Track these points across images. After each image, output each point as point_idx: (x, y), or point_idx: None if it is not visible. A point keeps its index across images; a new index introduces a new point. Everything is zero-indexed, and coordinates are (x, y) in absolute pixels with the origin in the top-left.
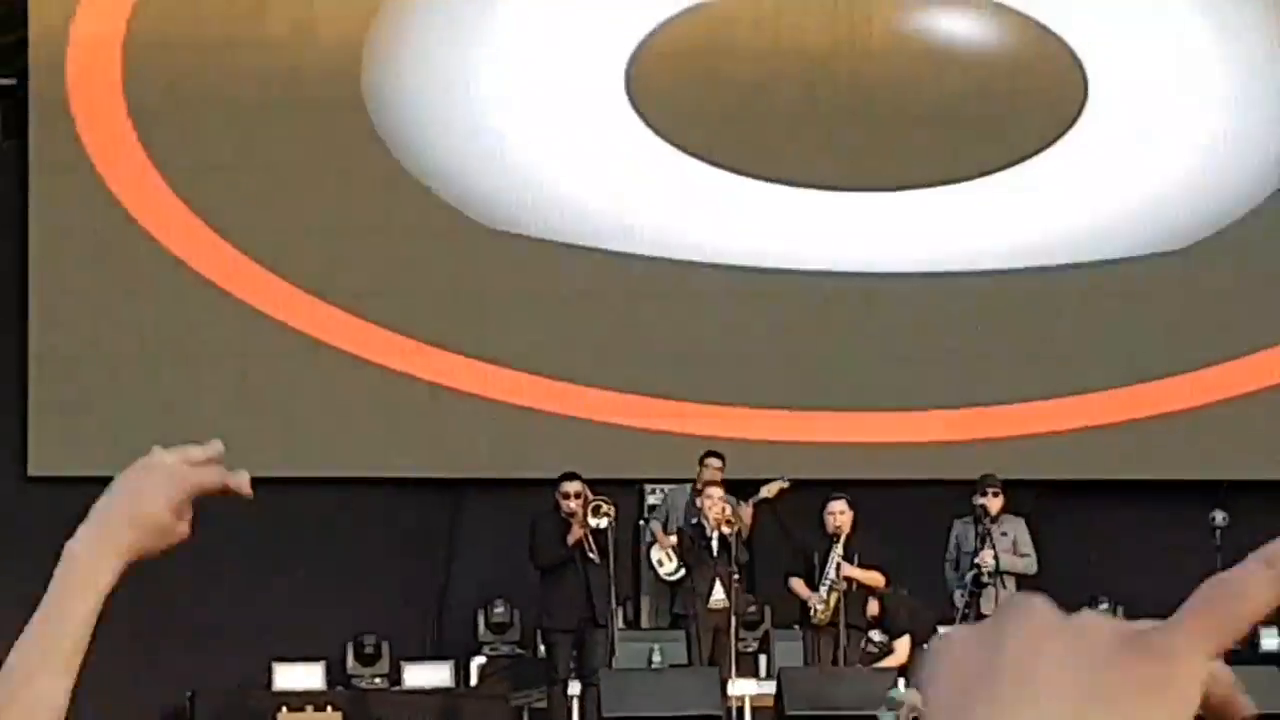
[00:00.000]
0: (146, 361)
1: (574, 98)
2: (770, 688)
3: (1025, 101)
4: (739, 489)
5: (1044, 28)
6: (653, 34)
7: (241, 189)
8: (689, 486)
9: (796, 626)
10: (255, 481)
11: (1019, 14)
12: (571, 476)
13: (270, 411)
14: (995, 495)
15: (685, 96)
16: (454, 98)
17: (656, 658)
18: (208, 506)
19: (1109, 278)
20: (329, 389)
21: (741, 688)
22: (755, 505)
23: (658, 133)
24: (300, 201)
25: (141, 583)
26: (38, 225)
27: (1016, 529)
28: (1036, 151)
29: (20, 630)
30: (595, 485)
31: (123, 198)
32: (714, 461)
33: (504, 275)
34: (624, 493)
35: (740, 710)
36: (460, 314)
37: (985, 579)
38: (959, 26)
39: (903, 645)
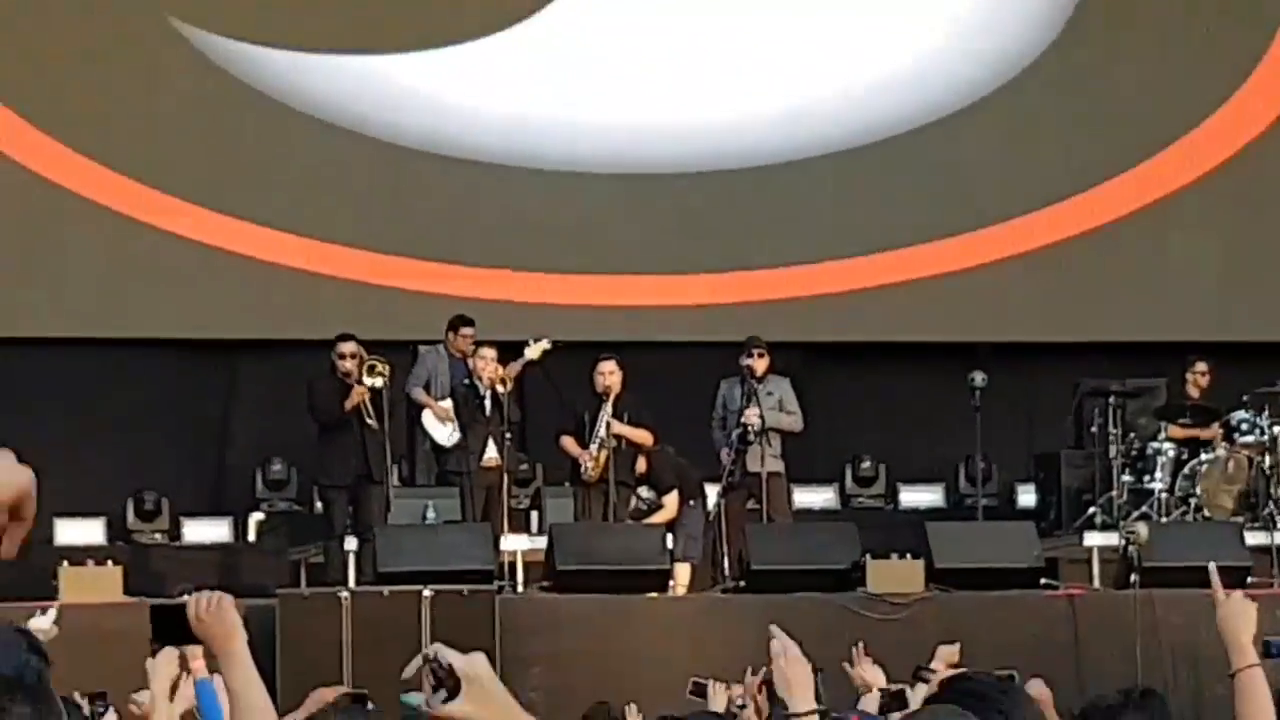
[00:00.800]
0: None
1: None
2: (541, 543)
3: None
4: (506, 349)
5: None
6: None
7: (33, 65)
8: (440, 347)
9: (567, 484)
10: (32, 341)
11: None
12: (347, 337)
13: (47, 272)
14: (760, 356)
15: None
16: None
17: (430, 514)
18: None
19: (870, 151)
20: (106, 251)
21: (513, 543)
22: (525, 365)
23: None
24: (89, 75)
25: None
26: None
27: (782, 389)
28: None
29: None
30: (370, 346)
31: None
32: (467, 331)
33: (283, 148)
34: (398, 353)
35: (512, 565)
36: (236, 180)
37: (751, 437)
38: None
39: (670, 500)
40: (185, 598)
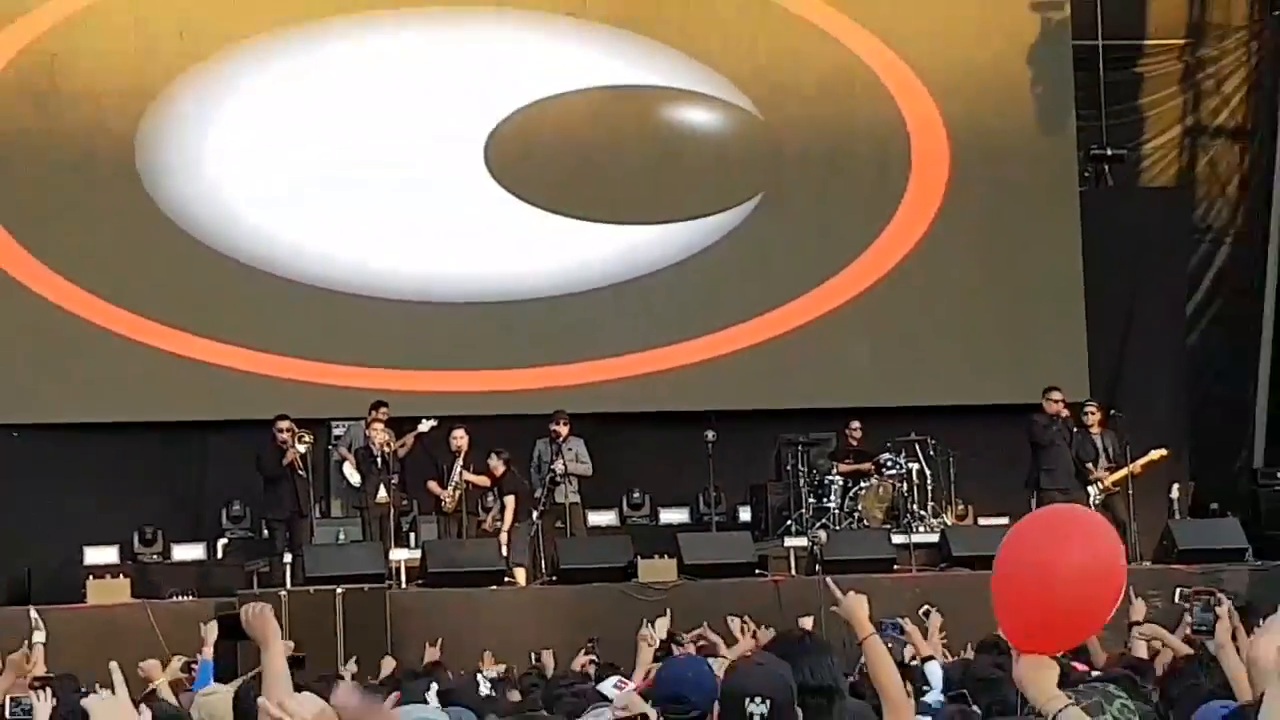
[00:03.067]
0: None
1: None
2: (417, 554)
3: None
4: (396, 424)
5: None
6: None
7: (57, 229)
8: (363, 422)
9: (433, 513)
10: (81, 427)
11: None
12: (283, 416)
13: (78, 379)
14: (564, 423)
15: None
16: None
17: (341, 537)
18: (46, 446)
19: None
20: (115, 363)
21: (398, 555)
22: (416, 437)
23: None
24: (91, 233)
25: (1, 502)
26: None
27: (578, 446)
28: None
29: None
30: (299, 422)
31: None
32: (383, 409)
33: (226, 286)
34: (320, 427)
35: (398, 570)
36: (213, 311)
37: (558, 478)
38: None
39: (510, 501)
40: (242, 608)
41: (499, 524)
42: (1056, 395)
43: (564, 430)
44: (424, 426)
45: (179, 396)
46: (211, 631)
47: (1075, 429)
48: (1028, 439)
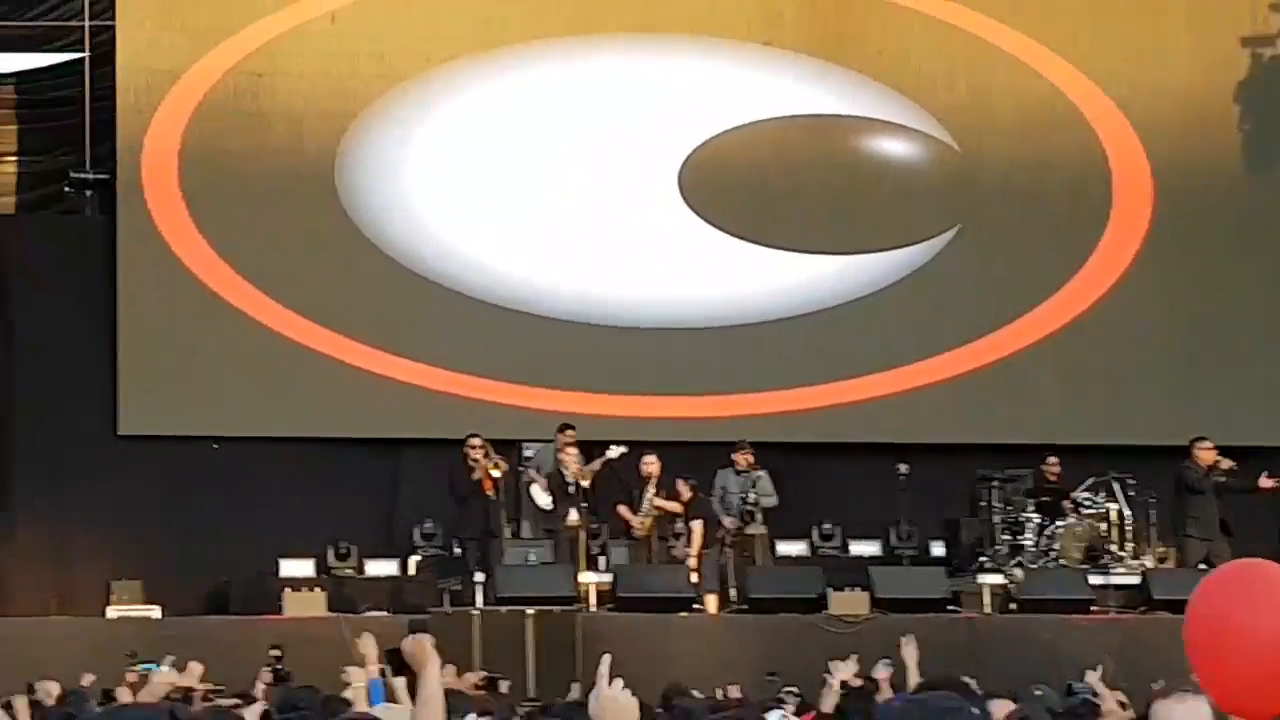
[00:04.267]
0: (195, 356)
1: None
2: (608, 578)
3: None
4: (586, 446)
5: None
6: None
7: (259, 247)
8: (551, 445)
9: (624, 538)
10: (277, 440)
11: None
12: (473, 436)
13: (276, 393)
14: (744, 453)
15: None
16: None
17: (532, 558)
18: (244, 458)
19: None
20: (314, 379)
21: (588, 578)
22: (604, 463)
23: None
24: (292, 251)
25: (192, 515)
26: (124, 268)
27: (764, 478)
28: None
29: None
30: (491, 443)
31: (179, 253)
32: (570, 431)
33: (421, 304)
34: (511, 448)
35: (587, 593)
36: (408, 331)
37: (752, 511)
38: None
39: (697, 526)
40: (402, 642)
41: (687, 550)
42: (1207, 444)
43: (747, 460)
44: (613, 453)
45: (375, 413)
46: (369, 646)
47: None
48: (1178, 485)
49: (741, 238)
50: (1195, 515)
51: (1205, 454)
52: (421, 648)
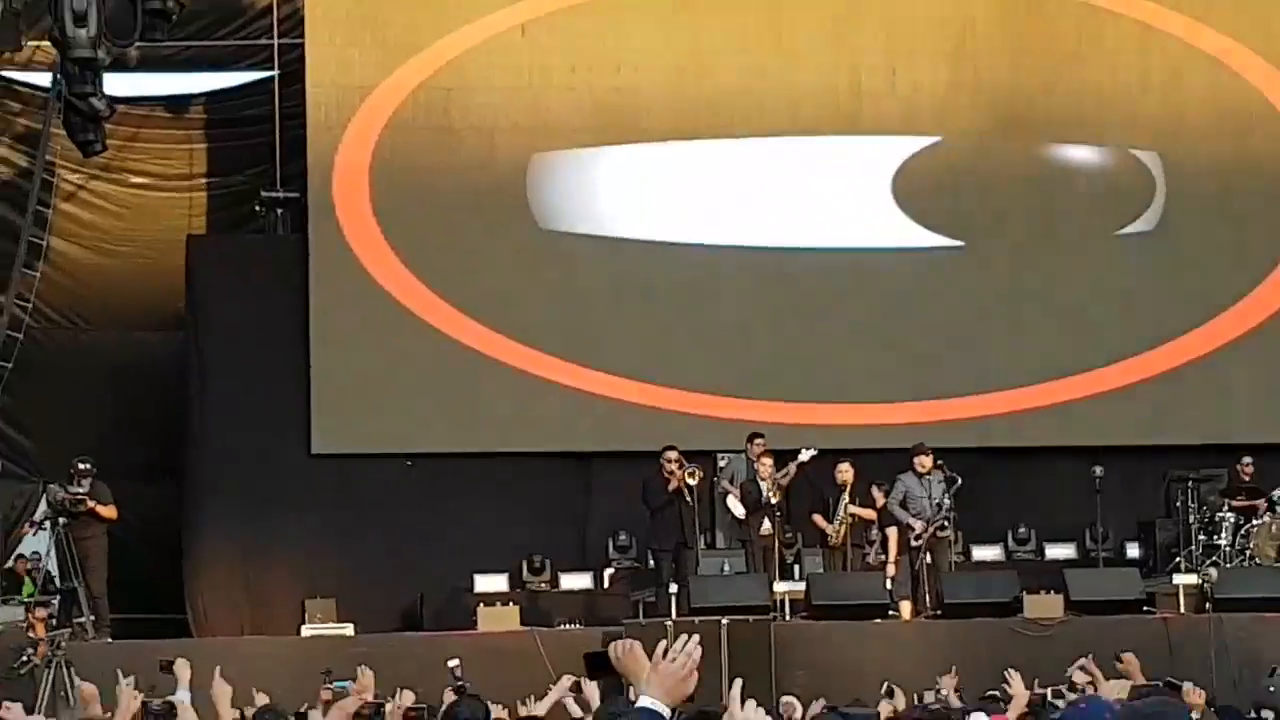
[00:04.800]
0: (387, 373)
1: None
2: (801, 586)
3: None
4: (777, 455)
5: None
6: None
7: (450, 262)
8: (744, 454)
9: (818, 546)
10: (470, 456)
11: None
12: (670, 448)
13: (468, 409)
14: (926, 455)
15: None
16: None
17: (726, 568)
18: (437, 475)
19: (1022, 319)
20: (505, 394)
21: (782, 587)
22: (798, 466)
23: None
24: (483, 266)
25: (386, 533)
26: (316, 286)
27: (941, 480)
28: None
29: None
30: (685, 454)
31: (371, 270)
32: (759, 440)
33: (611, 317)
34: (704, 459)
35: (782, 602)
36: (599, 343)
37: (944, 513)
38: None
39: (892, 533)
40: (611, 645)
41: (882, 557)
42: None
43: (927, 463)
44: (804, 456)
45: (567, 426)
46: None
47: None
48: None
49: (953, 238)
50: None
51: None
52: (632, 655)
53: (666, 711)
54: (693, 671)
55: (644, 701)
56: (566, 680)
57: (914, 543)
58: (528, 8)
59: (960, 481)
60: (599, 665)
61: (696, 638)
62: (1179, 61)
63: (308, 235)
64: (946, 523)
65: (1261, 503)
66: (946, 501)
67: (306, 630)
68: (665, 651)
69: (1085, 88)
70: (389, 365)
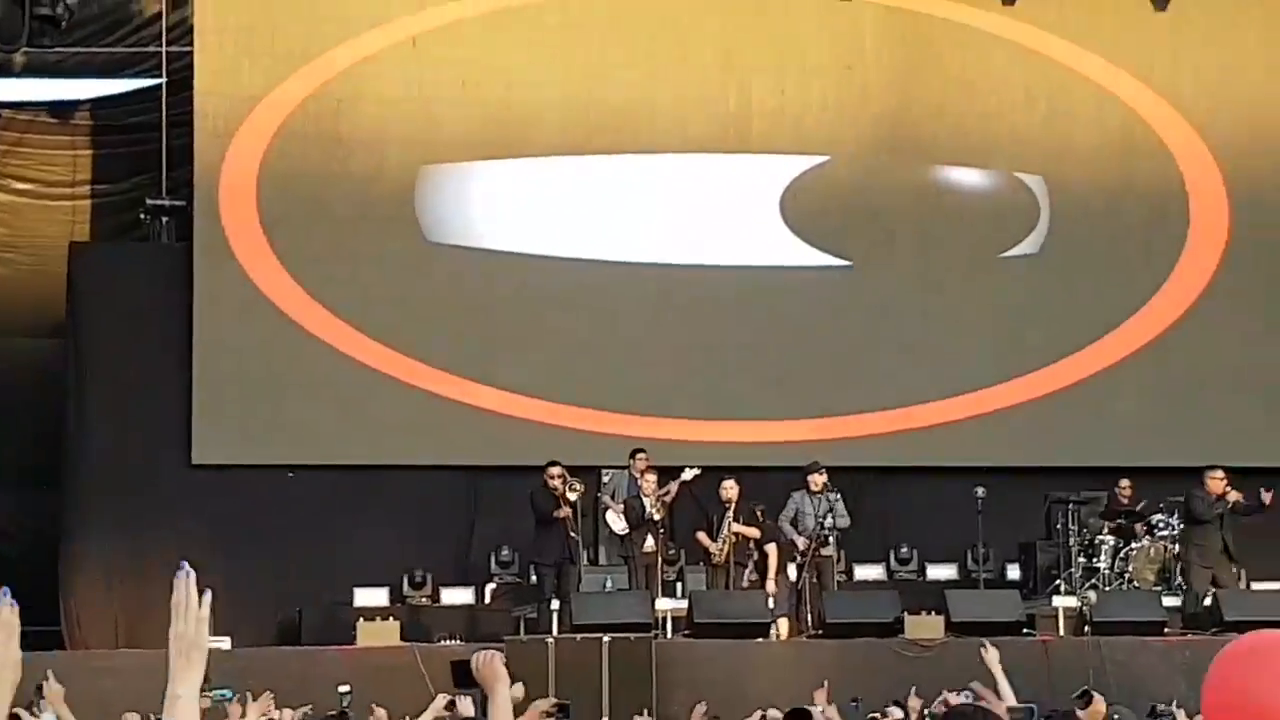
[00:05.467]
0: (269, 384)
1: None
2: (684, 604)
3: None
4: (663, 472)
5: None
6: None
7: (337, 274)
8: (626, 470)
9: (701, 564)
10: (353, 468)
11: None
12: (554, 463)
13: (352, 421)
14: (819, 474)
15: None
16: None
17: (609, 585)
18: (319, 487)
19: (903, 340)
20: (390, 407)
21: (665, 604)
22: (680, 484)
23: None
24: (370, 278)
25: (266, 545)
26: (200, 296)
27: (834, 499)
28: None
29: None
30: (569, 469)
31: (256, 280)
32: (641, 455)
33: (497, 332)
34: (589, 474)
35: (664, 620)
36: (484, 357)
37: (827, 533)
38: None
39: (772, 550)
40: (472, 657)
41: (754, 577)
42: (1218, 474)
43: (819, 481)
44: (687, 475)
45: (451, 440)
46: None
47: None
48: (1186, 514)
49: (840, 257)
50: (1200, 543)
51: (1215, 483)
52: (491, 666)
53: None
54: (492, 661)
55: None
56: (441, 700)
57: (798, 560)
58: (419, 20)
59: (839, 499)
60: (463, 675)
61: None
62: (1064, 87)
63: (193, 244)
64: (829, 542)
65: (1140, 526)
66: (840, 521)
67: None
68: None
69: (972, 111)
70: (272, 376)
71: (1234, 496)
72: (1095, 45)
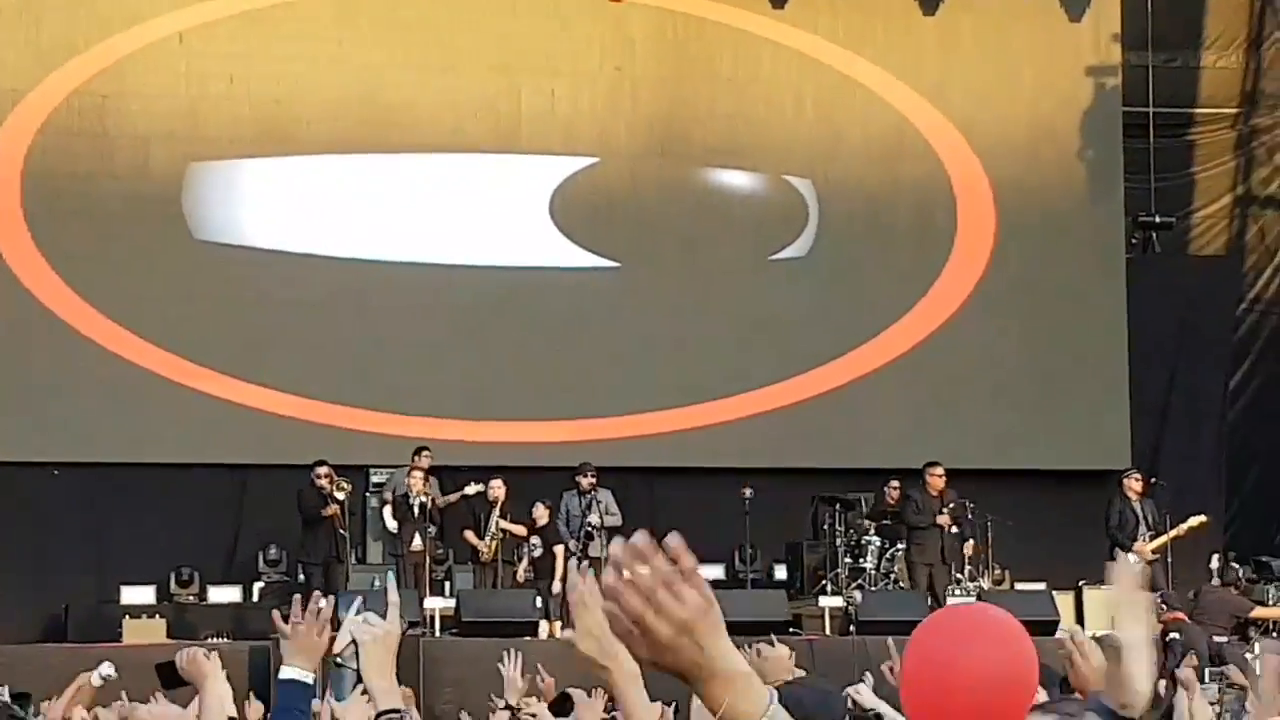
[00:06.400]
0: (33, 380)
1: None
2: (452, 603)
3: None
4: (438, 472)
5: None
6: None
7: (103, 271)
8: (402, 471)
9: (470, 562)
10: (120, 465)
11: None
12: (322, 462)
13: (118, 418)
14: (590, 476)
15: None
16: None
17: (377, 583)
18: (85, 484)
19: (673, 342)
20: (157, 405)
21: (433, 603)
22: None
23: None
24: (137, 275)
25: (30, 542)
26: None
27: (607, 497)
28: None
29: None
30: (337, 468)
31: (19, 275)
32: (426, 454)
33: (267, 330)
34: (357, 473)
35: (433, 618)
36: (253, 356)
37: (594, 531)
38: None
39: (559, 549)
40: (176, 655)
41: (529, 575)
42: (938, 470)
43: (588, 483)
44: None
45: (218, 439)
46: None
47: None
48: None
49: (609, 258)
50: (919, 543)
51: (935, 480)
52: (195, 662)
53: (310, 676)
54: (325, 628)
55: (287, 673)
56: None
57: (576, 562)
58: (187, 15)
59: (609, 499)
60: (169, 675)
61: (317, 593)
62: (834, 90)
63: None
64: (598, 539)
65: (904, 527)
66: (609, 519)
67: None
68: (288, 621)
69: (740, 114)
70: (36, 371)
71: (945, 520)
72: (864, 49)
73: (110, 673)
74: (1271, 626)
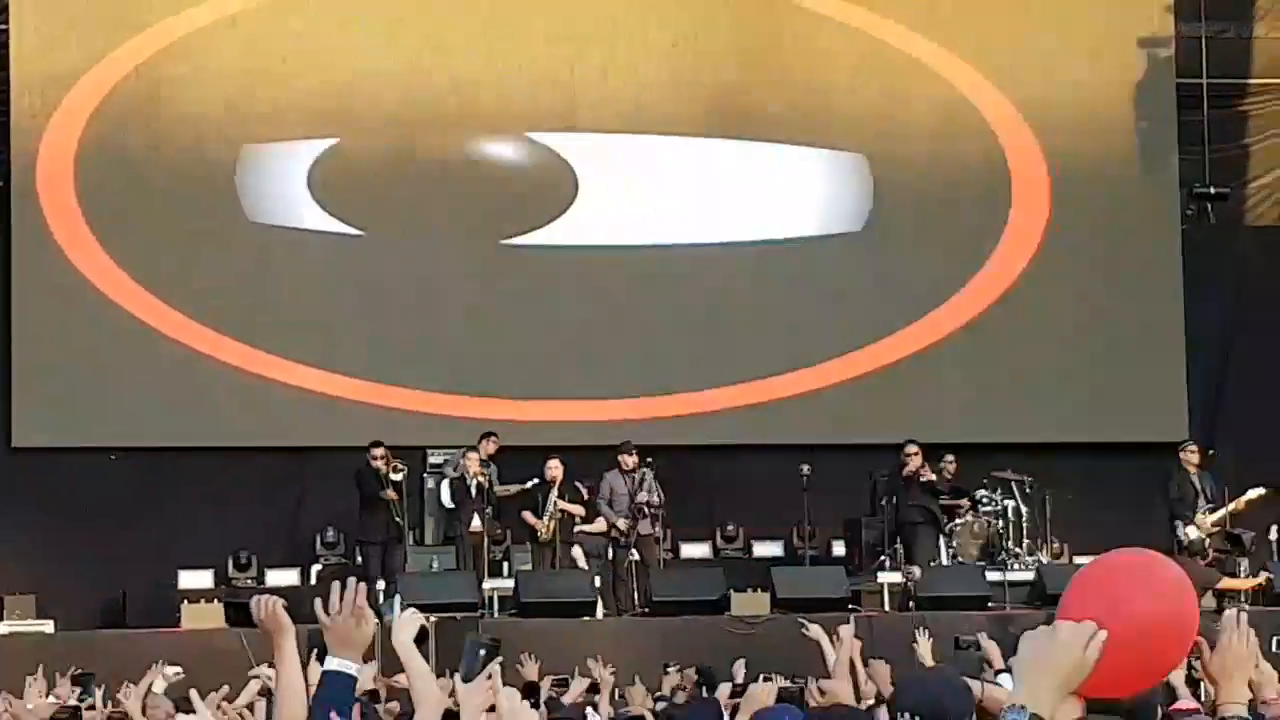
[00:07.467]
0: (91, 366)
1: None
2: (510, 584)
3: None
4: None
5: None
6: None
7: (157, 254)
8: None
9: (528, 543)
10: (177, 450)
11: None
12: (378, 443)
13: (175, 402)
14: (630, 455)
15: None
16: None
17: (435, 565)
18: (143, 469)
19: (734, 317)
20: (213, 388)
21: (491, 585)
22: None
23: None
24: (191, 258)
25: (90, 528)
26: (18, 277)
27: (649, 477)
28: None
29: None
30: (394, 450)
31: (75, 261)
32: (494, 438)
33: (325, 312)
34: (411, 455)
35: (491, 600)
36: (307, 338)
37: (643, 508)
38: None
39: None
40: (253, 601)
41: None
42: (912, 449)
43: (632, 462)
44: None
45: (276, 421)
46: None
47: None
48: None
49: (642, 240)
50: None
51: (913, 459)
52: (274, 614)
53: (355, 668)
54: (363, 617)
55: (331, 664)
56: (255, 685)
57: (621, 541)
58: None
59: (650, 476)
60: (239, 615)
61: (351, 580)
62: (891, 66)
63: (10, 225)
64: (648, 519)
65: (965, 501)
66: (653, 497)
67: (3, 627)
68: (326, 609)
69: (798, 88)
70: (93, 357)
71: (925, 475)
72: (922, 26)
73: (173, 673)
74: (1244, 598)
